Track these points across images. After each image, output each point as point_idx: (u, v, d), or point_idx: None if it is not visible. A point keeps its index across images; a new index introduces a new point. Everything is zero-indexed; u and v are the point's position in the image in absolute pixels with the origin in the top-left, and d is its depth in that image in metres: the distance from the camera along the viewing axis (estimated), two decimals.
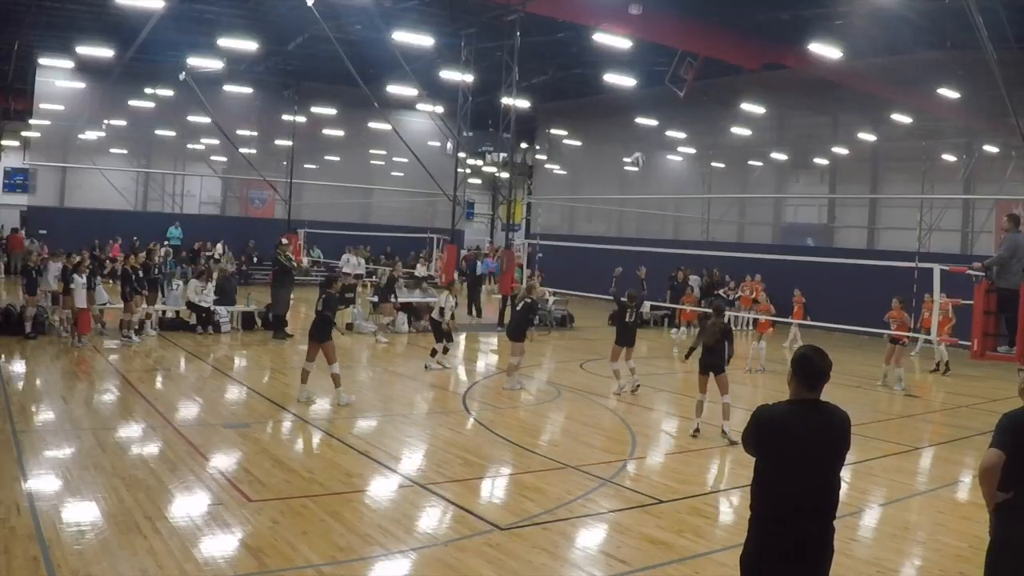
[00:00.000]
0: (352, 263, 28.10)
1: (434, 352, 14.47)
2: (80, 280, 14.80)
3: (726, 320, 10.78)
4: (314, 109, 31.58)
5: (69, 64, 26.86)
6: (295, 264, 20.58)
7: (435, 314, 14.76)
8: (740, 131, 28.77)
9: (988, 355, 10.76)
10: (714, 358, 10.07)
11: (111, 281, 19.90)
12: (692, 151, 33.08)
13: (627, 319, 12.83)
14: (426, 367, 14.35)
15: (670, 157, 33.84)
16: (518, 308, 13.44)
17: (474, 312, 22.92)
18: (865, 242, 27.69)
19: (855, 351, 19.65)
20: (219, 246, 31.37)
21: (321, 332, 11.03)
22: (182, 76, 25.00)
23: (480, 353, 17.60)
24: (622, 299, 13.24)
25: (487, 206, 45.05)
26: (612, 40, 19.91)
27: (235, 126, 30.53)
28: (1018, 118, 13.18)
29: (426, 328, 19.83)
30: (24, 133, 34.14)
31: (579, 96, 31.91)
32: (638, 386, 13.04)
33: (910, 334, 15.05)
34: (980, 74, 16.24)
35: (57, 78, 29.14)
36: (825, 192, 29.19)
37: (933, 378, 16.84)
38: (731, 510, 7.51)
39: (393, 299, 18.82)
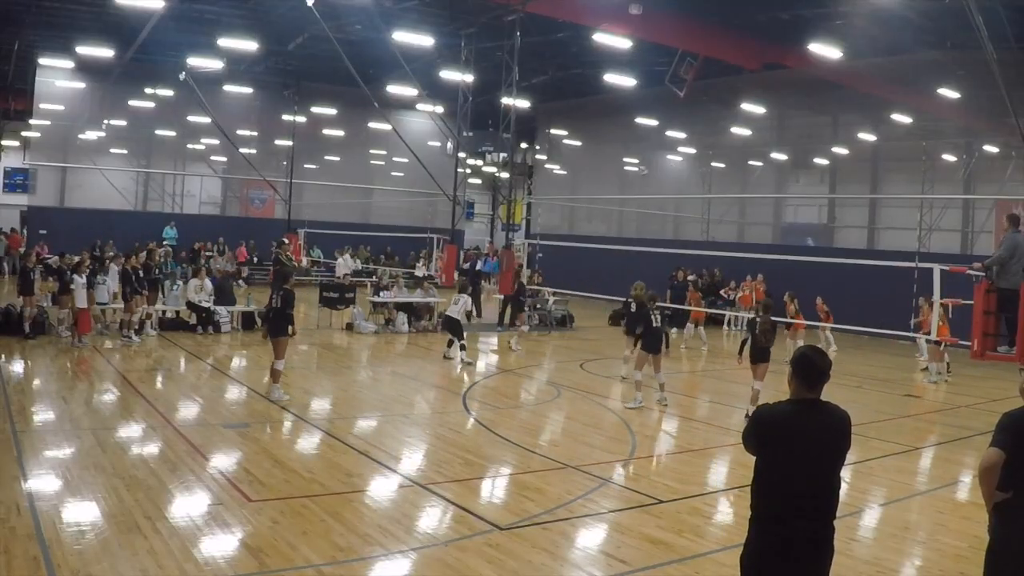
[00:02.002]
0: (343, 263, 28.11)
1: (463, 347, 15.44)
2: (80, 280, 14.79)
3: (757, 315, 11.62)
4: (314, 109, 31.55)
5: (69, 64, 26.84)
6: (295, 264, 20.59)
7: (459, 315, 15.56)
8: (740, 131, 28.76)
9: (988, 355, 10.75)
10: (765, 352, 11.29)
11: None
12: (692, 151, 33.09)
13: (654, 323, 12.19)
14: (464, 361, 15.22)
15: (670, 157, 33.85)
16: (633, 311, 13.51)
17: (474, 312, 22.86)
18: (865, 242, 27.70)
19: (855, 351, 19.66)
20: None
21: (278, 328, 11.06)
22: (182, 76, 24.99)
23: (480, 353, 17.58)
24: (641, 304, 12.81)
25: (487, 206, 45.03)
26: (612, 40, 19.91)
27: (235, 126, 30.50)
28: (1018, 118, 13.15)
29: (426, 328, 19.92)
30: (24, 133, 34.13)
31: (579, 96, 31.89)
32: (665, 404, 12.14)
33: (929, 337, 15.14)
34: (980, 74, 16.21)
35: (57, 78, 29.09)
36: (825, 192, 29.20)
37: (923, 374, 16.83)
38: (731, 510, 7.51)
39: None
